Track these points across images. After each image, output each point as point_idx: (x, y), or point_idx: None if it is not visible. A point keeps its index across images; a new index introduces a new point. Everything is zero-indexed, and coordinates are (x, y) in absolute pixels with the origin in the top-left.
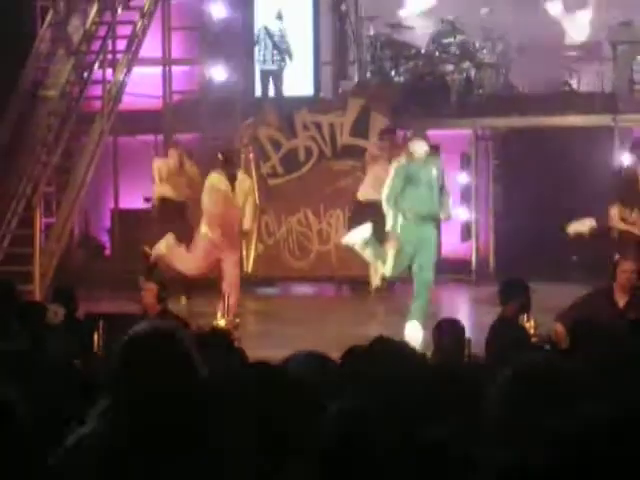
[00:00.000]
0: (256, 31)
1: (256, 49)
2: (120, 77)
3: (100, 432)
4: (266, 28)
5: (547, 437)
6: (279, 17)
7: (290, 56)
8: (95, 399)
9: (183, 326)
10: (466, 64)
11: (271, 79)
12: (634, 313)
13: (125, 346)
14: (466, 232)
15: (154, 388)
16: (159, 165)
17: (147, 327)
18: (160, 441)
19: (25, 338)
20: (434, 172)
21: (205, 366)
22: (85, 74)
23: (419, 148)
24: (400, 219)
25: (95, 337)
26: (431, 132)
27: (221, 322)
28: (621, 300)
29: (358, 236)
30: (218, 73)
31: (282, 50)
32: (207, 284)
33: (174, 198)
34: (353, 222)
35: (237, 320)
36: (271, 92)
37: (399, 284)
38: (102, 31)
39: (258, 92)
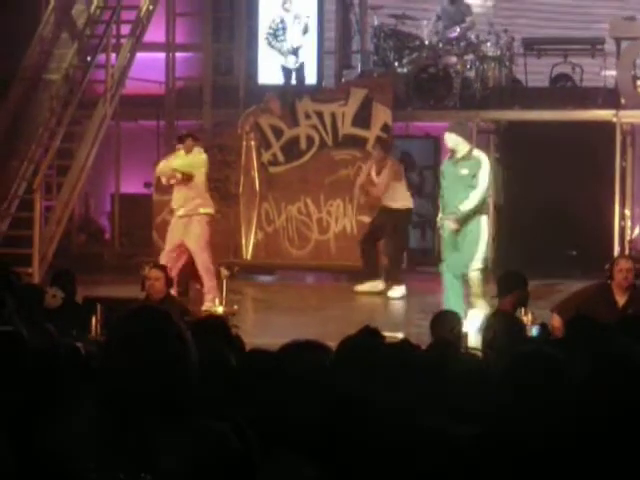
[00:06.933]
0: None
1: (274, 37)
2: (123, 62)
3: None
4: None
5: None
6: (285, 9)
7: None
8: (93, 382)
9: (183, 312)
10: (470, 56)
11: (294, 75)
12: (633, 312)
13: (118, 320)
14: None
15: (143, 365)
16: None
17: (142, 305)
18: (144, 417)
19: (22, 321)
20: (464, 172)
21: (200, 352)
22: (88, 58)
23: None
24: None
25: (93, 321)
26: (433, 124)
27: (219, 309)
28: (620, 299)
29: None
30: (221, 60)
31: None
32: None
33: None
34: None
35: (235, 307)
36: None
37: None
38: (106, 15)
39: (261, 79)
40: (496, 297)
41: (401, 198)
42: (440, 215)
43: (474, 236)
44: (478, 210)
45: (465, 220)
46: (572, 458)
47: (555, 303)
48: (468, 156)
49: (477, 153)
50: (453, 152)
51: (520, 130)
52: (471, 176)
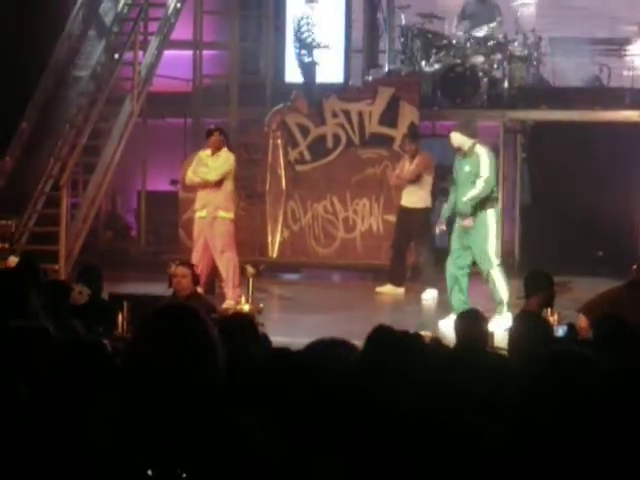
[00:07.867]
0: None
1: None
2: (151, 59)
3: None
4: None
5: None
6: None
7: (316, 46)
8: (119, 378)
9: (209, 309)
10: (497, 56)
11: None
12: None
13: (146, 317)
14: None
15: (170, 361)
16: None
17: (172, 302)
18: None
19: (48, 317)
20: (467, 168)
21: (227, 349)
22: (116, 55)
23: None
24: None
25: (119, 318)
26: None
27: (245, 307)
28: None
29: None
30: (248, 58)
31: (306, 44)
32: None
33: None
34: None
35: (260, 305)
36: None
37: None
38: (134, 13)
39: (288, 77)
40: (522, 297)
41: (421, 197)
42: (445, 207)
43: (481, 233)
44: (482, 204)
45: (471, 215)
46: (598, 459)
47: (582, 304)
48: (470, 152)
49: (478, 149)
50: (461, 150)
51: (547, 130)
52: (473, 173)
